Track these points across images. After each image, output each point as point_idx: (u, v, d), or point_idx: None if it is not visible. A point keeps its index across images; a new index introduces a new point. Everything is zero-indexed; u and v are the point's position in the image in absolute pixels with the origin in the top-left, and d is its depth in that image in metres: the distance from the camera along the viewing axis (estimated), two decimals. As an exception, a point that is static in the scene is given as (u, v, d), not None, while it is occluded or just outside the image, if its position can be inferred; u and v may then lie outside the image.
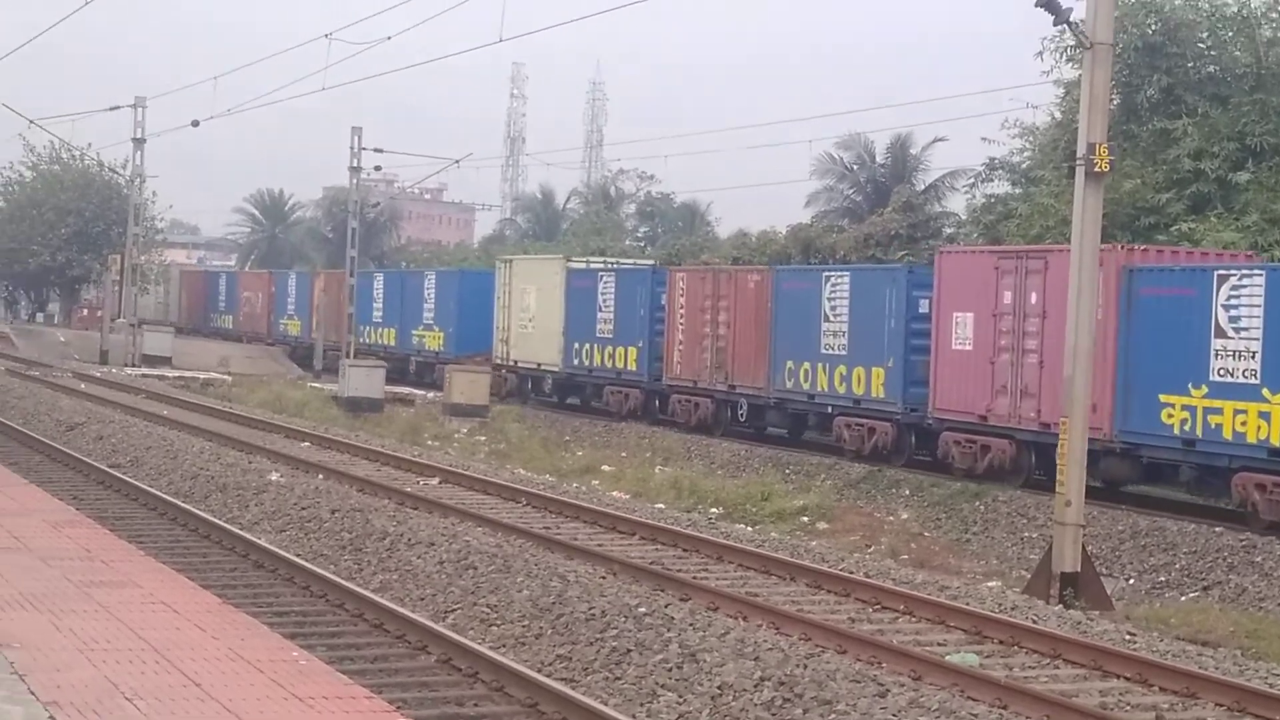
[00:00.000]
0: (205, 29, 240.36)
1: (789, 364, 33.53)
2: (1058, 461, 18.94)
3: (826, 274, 33.55)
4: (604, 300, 41.05)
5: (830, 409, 32.56)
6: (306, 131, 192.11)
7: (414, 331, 53.40)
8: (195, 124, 52.72)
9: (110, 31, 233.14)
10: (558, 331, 42.95)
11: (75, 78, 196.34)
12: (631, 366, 39.71)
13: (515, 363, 45.66)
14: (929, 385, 29.28)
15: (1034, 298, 26.78)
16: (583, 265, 45.19)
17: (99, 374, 48.52)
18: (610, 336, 40.70)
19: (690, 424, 36.61)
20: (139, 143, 57.63)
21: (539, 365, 44.34)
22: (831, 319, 32.37)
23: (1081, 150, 18.51)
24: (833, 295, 32.48)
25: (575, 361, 42.28)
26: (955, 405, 28.65)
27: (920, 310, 30.11)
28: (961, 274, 28.84)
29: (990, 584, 20.04)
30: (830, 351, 32.34)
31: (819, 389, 32.65)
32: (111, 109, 58.37)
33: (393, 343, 55.18)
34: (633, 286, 40.53)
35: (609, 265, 45.14)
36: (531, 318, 44.76)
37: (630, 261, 49.18)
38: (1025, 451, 27.29)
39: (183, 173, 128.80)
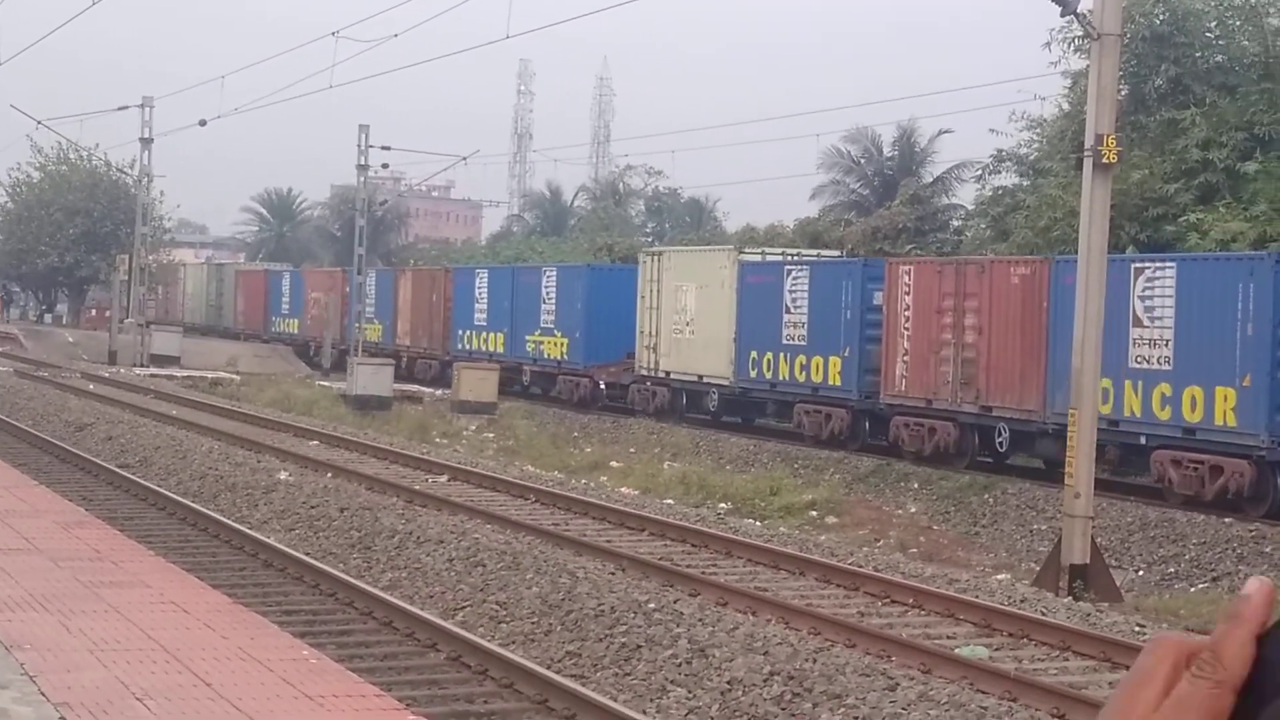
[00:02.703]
0: (212, 28, 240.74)
1: None
2: (1067, 454, 18.94)
3: (1137, 265, 25.63)
4: (793, 299, 33.94)
5: (1144, 439, 24.98)
6: (314, 130, 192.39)
7: (529, 337, 46.08)
8: (203, 123, 52.79)
9: (118, 32, 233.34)
10: (727, 337, 36.11)
11: (82, 78, 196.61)
12: (834, 380, 32.49)
13: (667, 374, 38.73)
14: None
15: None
16: (758, 257, 38.65)
17: (107, 374, 48.56)
18: (802, 344, 33.53)
19: (923, 453, 29.48)
20: (146, 142, 57.69)
21: (700, 377, 37.40)
22: (1146, 323, 24.70)
23: (1089, 141, 18.49)
24: (1147, 292, 24.82)
25: (751, 373, 35.27)
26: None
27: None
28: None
29: (999, 577, 20.03)
30: (1145, 365, 24.64)
31: (1129, 413, 24.90)
32: (119, 109, 58.46)
33: (500, 349, 47.56)
34: (834, 282, 33.12)
35: (795, 256, 38.07)
36: (690, 320, 37.82)
37: (810, 252, 41.02)
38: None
39: (190, 172, 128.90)
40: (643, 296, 39.71)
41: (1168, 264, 25.10)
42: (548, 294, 45.28)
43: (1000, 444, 28.00)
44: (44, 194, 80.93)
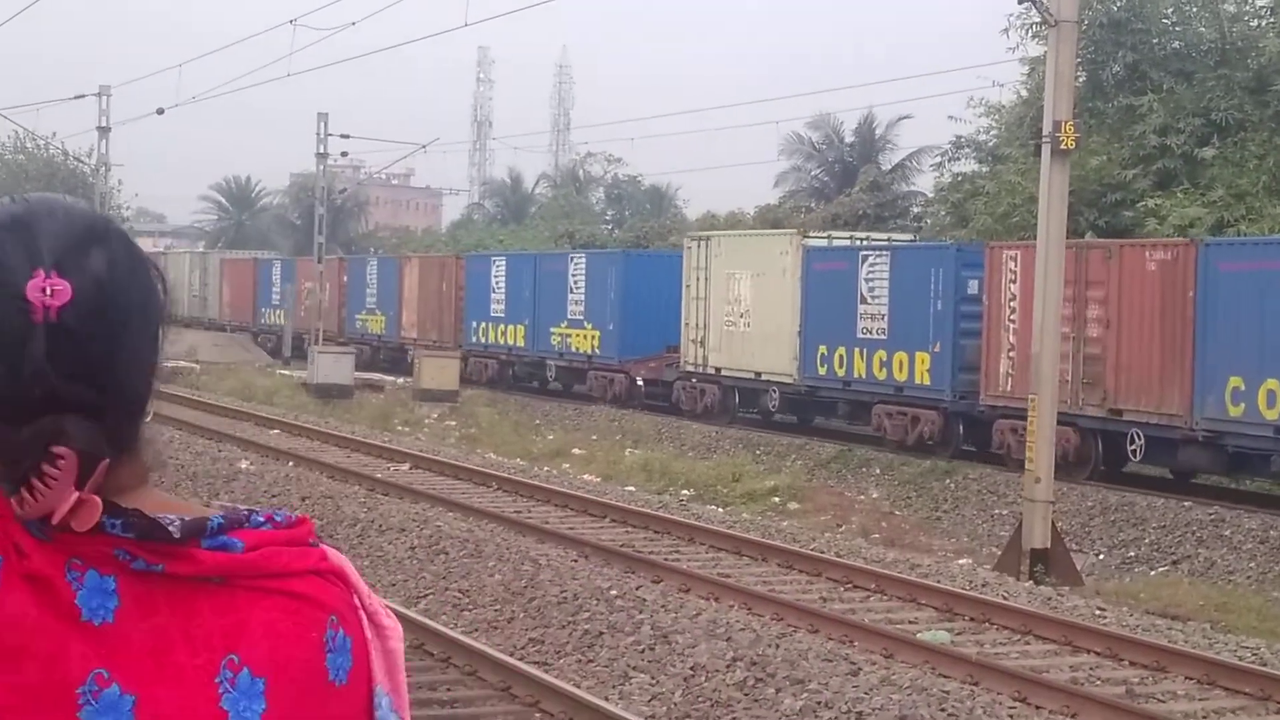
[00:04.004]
0: (168, 16, 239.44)
1: (1234, 382, 22.86)
2: (1027, 439, 19.03)
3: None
4: (869, 288, 30.49)
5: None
6: (272, 119, 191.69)
7: (554, 329, 42.39)
8: (160, 112, 52.37)
9: (73, 20, 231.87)
10: (789, 330, 32.71)
11: (38, 67, 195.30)
12: (922, 379, 29.14)
13: (717, 371, 35.38)
14: None
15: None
16: (824, 241, 34.98)
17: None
18: (882, 338, 30.09)
19: None
20: (104, 131, 57.36)
21: (758, 374, 33.97)
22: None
23: (1047, 128, 18.56)
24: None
25: (820, 370, 31.83)
26: None
27: None
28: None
29: (961, 561, 20.10)
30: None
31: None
32: (76, 98, 58.06)
33: (520, 343, 44.20)
34: (921, 269, 29.57)
35: (867, 241, 34.41)
36: (744, 312, 34.39)
37: (880, 237, 37.29)
38: None
39: (148, 161, 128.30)
40: (688, 285, 36.39)
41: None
42: (576, 283, 41.73)
43: (1134, 452, 24.84)
44: (1, 183, 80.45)
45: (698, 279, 35.90)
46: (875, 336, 30.20)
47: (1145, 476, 26.02)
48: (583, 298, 41.28)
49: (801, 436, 32.19)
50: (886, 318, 29.89)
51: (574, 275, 41.72)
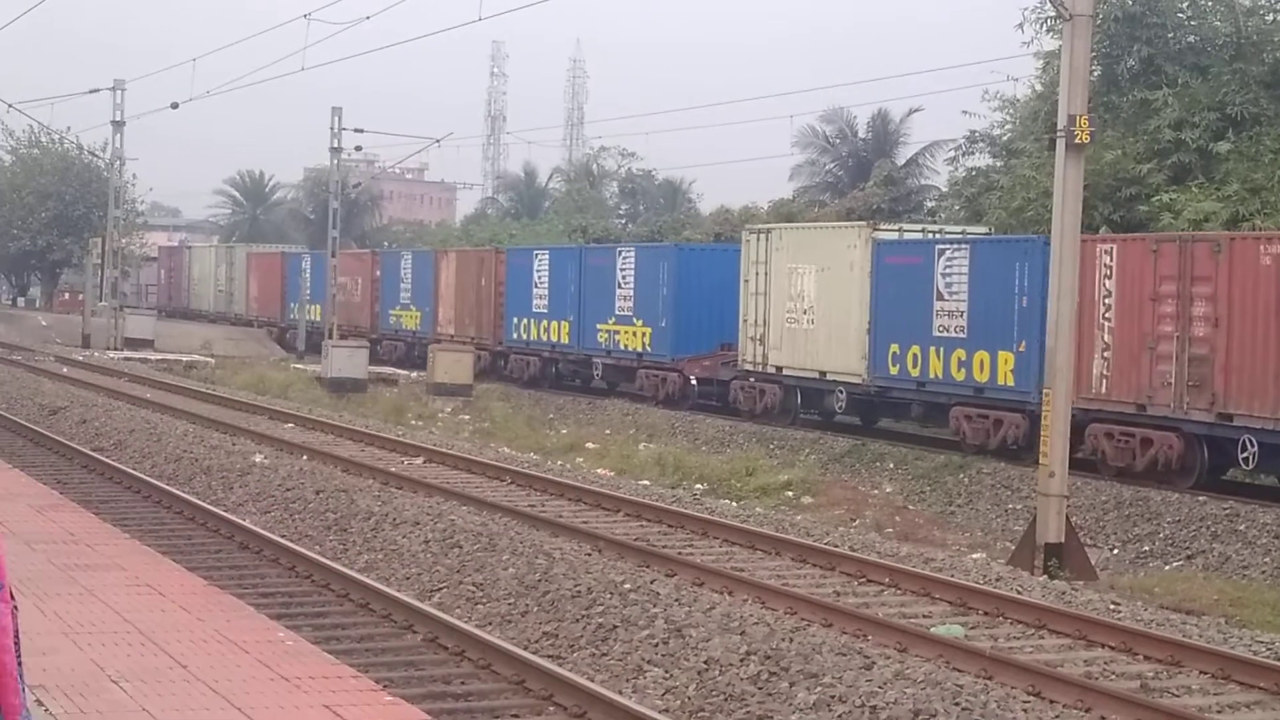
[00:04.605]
0: (185, 10, 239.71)
1: None
2: (1042, 433, 19.01)
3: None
4: (947, 283, 28.86)
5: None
6: (286, 113, 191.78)
7: (601, 326, 40.83)
8: (175, 106, 52.52)
9: (89, 15, 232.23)
10: (857, 328, 31.10)
11: (53, 60, 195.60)
12: (1005, 380, 27.38)
13: (778, 370, 33.68)
14: None
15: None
16: (894, 234, 32.48)
17: (81, 358, 48.39)
18: (961, 336, 28.44)
19: (1134, 468, 24.65)
20: (118, 125, 57.46)
21: (823, 374, 32.31)
22: None
23: (1062, 122, 18.54)
24: None
25: (891, 370, 30.21)
26: None
27: None
28: None
29: (975, 556, 20.09)
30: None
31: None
32: (91, 92, 58.23)
33: (564, 340, 42.65)
34: (1004, 263, 27.81)
35: (939, 235, 31.99)
36: (808, 308, 32.65)
37: (955, 229, 34.47)
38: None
39: (163, 155, 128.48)
40: (746, 280, 34.59)
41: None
42: (624, 277, 40.01)
43: (1246, 460, 23.15)
44: (15, 178, 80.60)
45: (757, 273, 34.19)
46: (953, 335, 28.63)
47: (1255, 486, 24.86)
48: (632, 293, 39.74)
49: (816, 431, 32.16)
50: (965, 315, 28.35)
51: (622, 269, 40.17)
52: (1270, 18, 35.07)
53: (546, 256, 44.60)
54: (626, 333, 39.79)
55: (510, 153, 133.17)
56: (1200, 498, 22.91)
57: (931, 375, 29.05)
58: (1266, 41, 33.50)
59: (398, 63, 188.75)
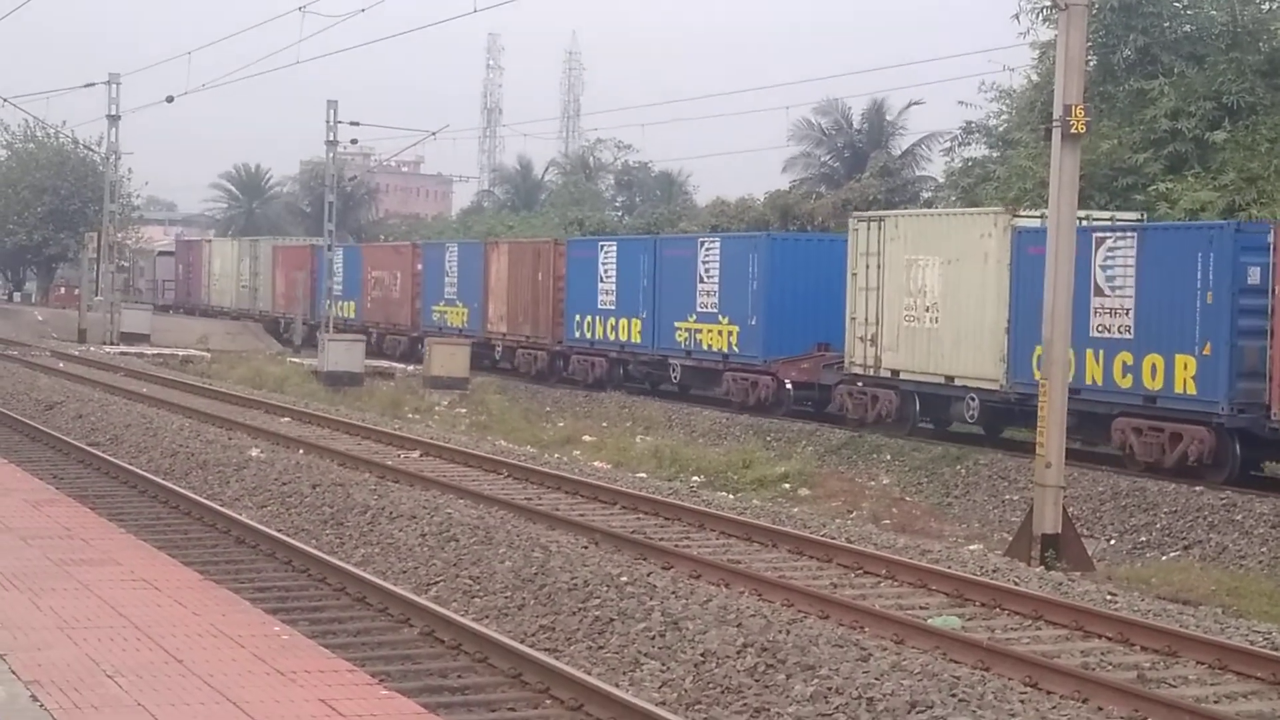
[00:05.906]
0: (180, 4, 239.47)
1: None
2: (1038, 423, 18.99)
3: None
4: (1108, 277, 25.15)
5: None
6: (282, 106, 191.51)
7: (679, 324, 37.34)
8: (170, 100, 52.39)
9: (83, 9, 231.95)
10: (994, 327, 27.67)
11: (48, 55, 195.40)
12: (1184, 388, 23.84)
13: (894, 374, 30.21)
14: None
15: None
16: (1038, 222, 26.48)
17: (77, 352, 48.36)
18: (1125, 337, 24.83)
19: None
20: (114, 119, 57.37)
21: (949, 379, 28.85)
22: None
23: (1058, 112, 18.51)
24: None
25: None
26: None
27: None
28: None
29: (972, 547, 20.08)
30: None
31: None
32: (86, 86, 58.11)
33: (635, 339, 39.30)
34: (1182, 254, 24.03)
35: (1096, 220, 27.66)
36: (931, 305, 29.23)
37: (1127, 215, 29.67)
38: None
39: (158, 149, 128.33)
40: (854, 274, 31.15)
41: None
42: (707, 270, 36.46)
43: None
44: (10, 172, 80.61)
45: (868, 266, 30.70)
46: (1116, 335, 24.99)
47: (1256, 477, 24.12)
48: (716, 287, 36.13)
49: (813, 423, 32.14)
50: (1131, 313, 24.74)
51: (705, 262, 36.61)
52: (1266, 6, 35.10)
53: (614, 248, 41.48)
54: (709, 332, 36.31)
55: (506, 145, 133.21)
56: (1197, 488, 22.89)
57: (1088, 381, 25.23)
58: (1262, 30, 33.52)
59: (393, 56, 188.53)
